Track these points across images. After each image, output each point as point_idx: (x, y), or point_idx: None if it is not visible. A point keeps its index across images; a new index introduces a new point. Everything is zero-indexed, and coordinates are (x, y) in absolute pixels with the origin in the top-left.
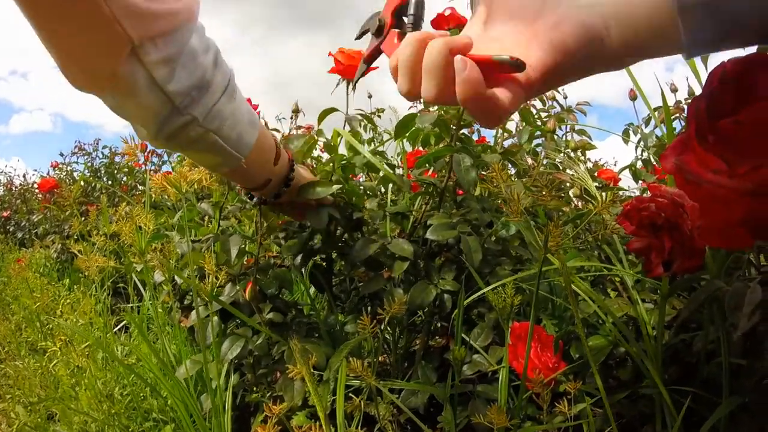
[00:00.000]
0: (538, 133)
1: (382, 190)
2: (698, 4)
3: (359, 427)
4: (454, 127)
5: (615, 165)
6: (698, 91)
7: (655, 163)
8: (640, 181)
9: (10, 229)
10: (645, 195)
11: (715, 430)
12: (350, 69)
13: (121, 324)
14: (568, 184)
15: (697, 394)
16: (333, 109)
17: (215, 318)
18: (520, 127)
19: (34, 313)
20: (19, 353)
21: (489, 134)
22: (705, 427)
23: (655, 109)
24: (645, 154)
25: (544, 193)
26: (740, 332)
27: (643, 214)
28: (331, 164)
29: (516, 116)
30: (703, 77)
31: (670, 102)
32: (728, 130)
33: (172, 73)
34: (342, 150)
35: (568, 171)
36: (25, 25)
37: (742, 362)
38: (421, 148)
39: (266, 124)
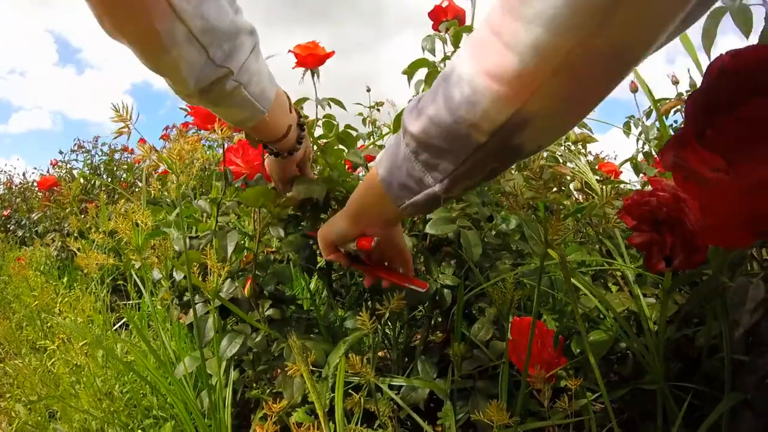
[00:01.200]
0: None
1: None
2: (390, 181)
3: (359, 424)
4: None
5: (616, 158)
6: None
7: (656, 156)
8: (641, 175)
9: (11, 228)
10: (646, 189)
11: (717, 426)
12: (309, 59)
13: (122, 321)
14: (568, 178)
15: (698, 389)
16: (305, 99)
17: (215, 314)
18: None
19: (34, 312)
20: (20, 352)
21: None
22: (706, 424)
23: (658, 101)
24: (646, 147)
25: (544, 186)
26: (743, 329)
27: (644, 209)
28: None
29: None
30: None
31: (671, 94)
32: (727, 126)
33: (208, 25)
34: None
35: (568, 164)
36: (22, 23)
37: (744, 358)
38: None
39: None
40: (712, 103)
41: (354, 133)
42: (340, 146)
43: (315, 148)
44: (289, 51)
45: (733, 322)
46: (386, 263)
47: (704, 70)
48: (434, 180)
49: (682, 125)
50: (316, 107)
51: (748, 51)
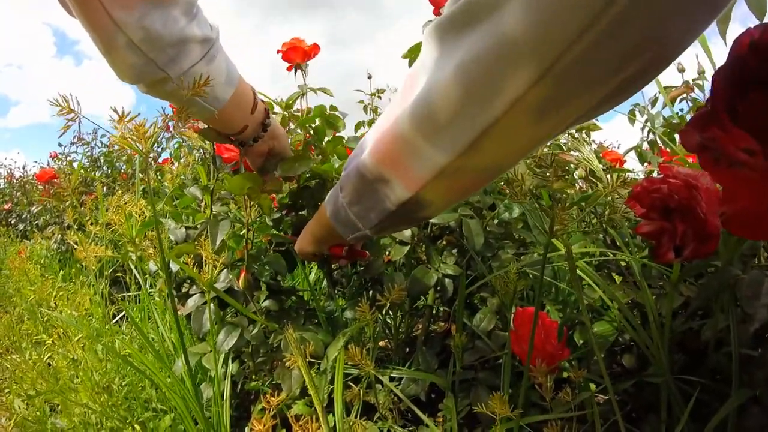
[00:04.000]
0: None
1: None
2: (336, 219)
3: (359, 417)
4: None
5: (619, 147)
6: (709, 70)
7: (661, 144)
8: (646, 163)
9: (12, 222)
10: (655, 176)
11: (723, 421)
12: (294, 54)
13: (122, 313)
14: (572, 166)
15: (703, 383)
16: (299, 93)
17: (212, 305)
18: None
19: (35, 306)
20: (20, 346)
21: None
22: (714, 421)
23: (665, 88)
24: (651, 136)
25: (553, 174)
26: (758, 323)
27: (654, 196)
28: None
29: None
30: (715, 55)
31: (677, 82)
32: (761, 103)
33: (150, 35)
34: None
35: (572, 152)
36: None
37: (753, 353)
38: None
39: (281, 103)
40: (744, 78)
41: (341, 115)
42: (337, 135)
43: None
44: (278, 51)
45: (746, 316)
46: None
47: (730, 47)
48: (364, 226)
49: (706, 103)
50: (306, 100)
51: None
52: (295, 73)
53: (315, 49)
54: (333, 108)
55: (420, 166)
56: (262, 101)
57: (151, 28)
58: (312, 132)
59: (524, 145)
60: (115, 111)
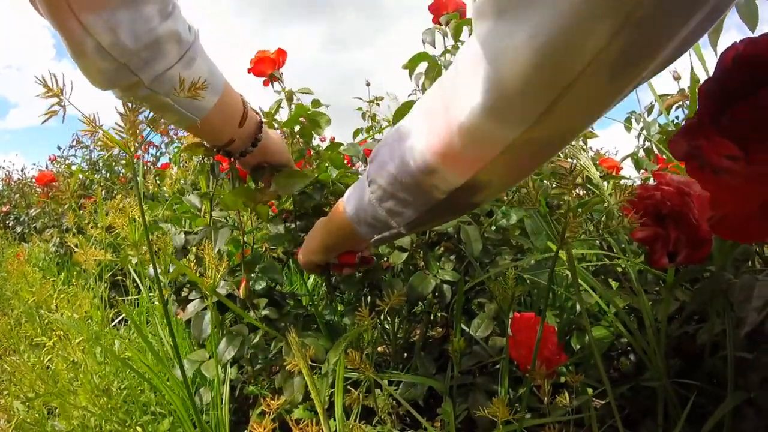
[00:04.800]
0: None
1: None
2: (358, 220)
3: (358, 420)
4: None
5: (616, 154)
6: (703, 78)
7: (657, 152)
8: (642, 171)
9: (10, 224)
10: (649, 183)
11: (719, 424)
12: (262, 65)
13: (121, 317)
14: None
15: (699, 387)
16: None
17: (212, 311)
18: None
19: (33, 308)
20: (18, 348)
21: None
22: (710, 424)
23: (660, 96)
24: (647, 143)
25: (572, 182)
26: (749, 327)
27: (647, 203)
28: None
29: None
30: (709, 64)
31: (673, 90)
32: (743, 114)
33: (118, 39)
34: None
35: (569, 159)
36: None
37: (748, 356)
38: None
39: (262, 113)
40: (727, 91)
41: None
42: (335, 142)
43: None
44: (248, 71)
45: (738, 320)
46: None
47: (717, 59)
48: (397, 224)
49: (695, 114)
50: (289, 106)
51: (763, 38)
52: (272, 84)
53: (281, 54)
54: (315, 103)
55: (482, 146)
56: (257, 113)
57: (120, 31)
58: (299, 135)
59: (595, 107)
60: (117, 111)
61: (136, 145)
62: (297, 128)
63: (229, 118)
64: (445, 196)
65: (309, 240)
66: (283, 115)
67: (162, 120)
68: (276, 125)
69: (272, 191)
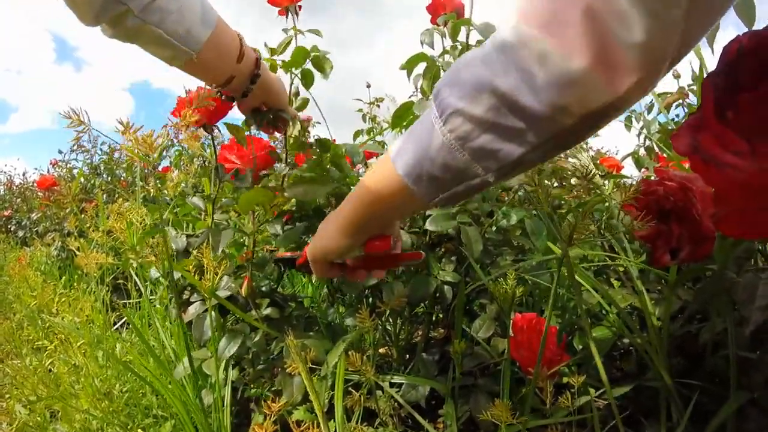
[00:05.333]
0: None
1: None
2: (417, 176)
3: (359, 423)
4: None
5: (617, 153)
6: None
7: (657, 150)
8: (643, 169)
9: (12, 229)
10: (651, 179)
11: (722, 424)
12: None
13: (123, 320)
14: (569, 173)
15: (701, 386)
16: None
17: (213, 312)
18: None
19: (35, 312)
20: (20, 352)
21: None
22: (713, 424)
23: (659, 95)
24: (647, 142)
25: (588, 184)
26: (753, 326)
27: (650, 199)
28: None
29: None
30: (708, 62)
31: (673, 88)
32: (749, 105)
33: None
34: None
35: (570, 159)
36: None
37: (751, 356)
38: None
39: (268, 50)
40: (731, 84)
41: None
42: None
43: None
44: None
45: (741, 319)
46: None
47: (720, 54)
48: (485, 170)
49: (698, 108)
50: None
51: (766, 32)
52: (287, 16)
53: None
54: (315, 49)
55: (664, 33)
56: (254, 51)
57: None
58: (300, 77)
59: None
60: (121, 123)
61: (155, 156)
62: (298, 71)
63: (225, 52)
64: (573, 121)
65: (326, 225)
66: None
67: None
68: (279, 66)
69: (289, 196)
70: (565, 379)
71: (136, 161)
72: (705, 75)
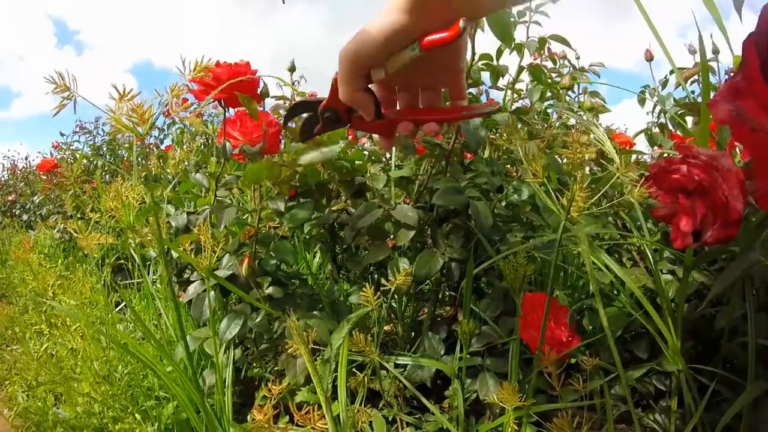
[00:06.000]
0: (549, 93)
1: (387, 155)
2: None
3: (364, 404)
4: None
5: (626, 130)
6: (725, 49)
7: (671, 127)
8: (656, 146)
9: (16, 213)
10: (673, 156)
11: (737, 413)
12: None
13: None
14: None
15: (715, 372)
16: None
17: (213, 292)
18: (531, 86)
19: (37, 296)
20: (23, 336)
21: (498, 96)
22: (729, 414)
23: (678, 69)
24: (661, 118)
25: (573, 149)
26: None
27: (672, 177)
28: None
29: (526, 76)
30: (732, 37)
31: (689, 63)
32: None
33: None
34: None
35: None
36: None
37: None
38: None
39: (267, 90)
40: None
41: None
42: None
43: None
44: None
45: (763, 305)
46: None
47: (761, 14)
48: None
49: (737, 72)
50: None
51: None
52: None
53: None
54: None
55: None
56: None
57: None
58: None
59: None
60: (115, 88)
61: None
62: None
63: None
64: None
65: (374, 20)
66: None
67: None
68: None
69: (304, 162)
70: (573, 360)
71: (134, 140)
72: (727, 48)
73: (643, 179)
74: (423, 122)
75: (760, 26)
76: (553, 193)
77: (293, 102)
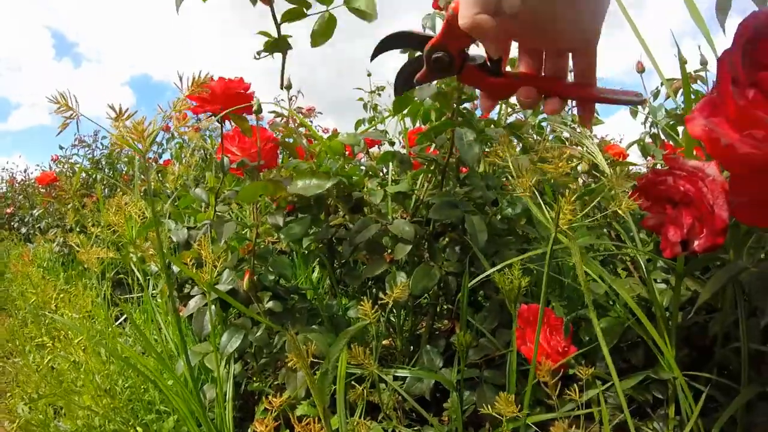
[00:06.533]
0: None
1: (384, 170)
2: None
3: (363, 417)
4: (455, 104)
5: (621, 141)
6: (712, 60)
7: (664, 137)
8: (649, 157)
9: (15, 225)
10: (660, 168)
11: (731, 417)
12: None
13: (126, 315)
14: (575, 160)
15: (710, 378)
16: None
17: (213, 306)
18: None
19: (37, 309)
20: (23, 349)
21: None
22: (723, 418)
23: (667, 80)
24: (653, 129)
25: (554, 164)
26: (767, 318)
27: (660, 188)
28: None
29: None
30: (718, 45)
31: (678, 74)
32: None
33: None
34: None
35: (575, 146)
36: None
37: (762, 348)
38: (423, 126)
39: (260, 107)
40: (751, 61)
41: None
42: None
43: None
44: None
45: (757, 311)
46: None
47: (735, 32)
48: None
49: (712, 89)
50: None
51: None
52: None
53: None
54: None
55: None
56: None
57: None
58: None
59: None
60: (113, 108)
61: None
62: None
63: None
64: None
65: None
66: None
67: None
68: None
69: (291, 192)
70: (571, 370)
71: (133, 154)
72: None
73: (631, 191)
74: (549, 93)
75: (733, 45)
76: (544, 207)
77: (385, 37)
